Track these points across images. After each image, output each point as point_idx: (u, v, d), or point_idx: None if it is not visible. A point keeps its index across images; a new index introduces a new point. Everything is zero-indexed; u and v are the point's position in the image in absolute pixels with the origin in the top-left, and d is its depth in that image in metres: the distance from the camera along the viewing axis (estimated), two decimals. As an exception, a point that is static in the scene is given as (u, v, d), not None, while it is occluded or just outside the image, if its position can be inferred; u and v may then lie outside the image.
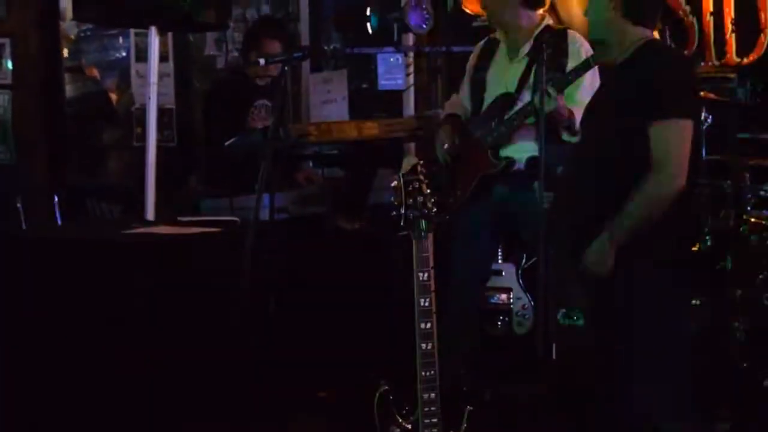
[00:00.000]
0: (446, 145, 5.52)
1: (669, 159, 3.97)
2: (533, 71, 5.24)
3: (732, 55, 6.31)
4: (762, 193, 5.65)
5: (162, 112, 7.26)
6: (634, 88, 4.02)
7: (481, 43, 5.70)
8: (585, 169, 4.22)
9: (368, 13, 6.91)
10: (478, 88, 5.53)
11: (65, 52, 8.20)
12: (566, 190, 4.33)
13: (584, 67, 4.99)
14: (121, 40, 8.26)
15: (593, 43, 4.52)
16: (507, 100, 5.38)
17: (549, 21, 5.50)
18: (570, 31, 5.44)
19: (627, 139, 4.03)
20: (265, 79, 6.34)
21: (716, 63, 6.32)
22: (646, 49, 4.16)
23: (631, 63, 4.14)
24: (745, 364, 5.22)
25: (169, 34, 7.54)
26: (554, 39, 5.24)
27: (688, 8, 6.37)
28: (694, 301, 5.32)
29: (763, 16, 6.20)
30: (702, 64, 6.32)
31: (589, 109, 4.44)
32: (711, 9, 6.33)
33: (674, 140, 3.99)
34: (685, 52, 6.28)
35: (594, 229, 4.05)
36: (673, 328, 4.15)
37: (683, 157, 3.99)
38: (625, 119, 4.03)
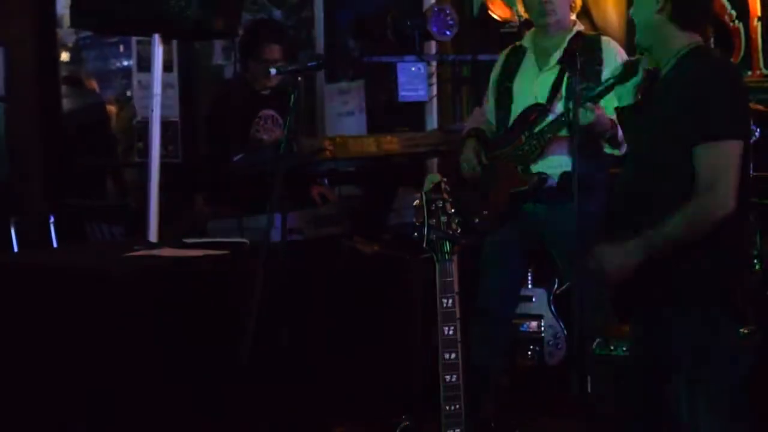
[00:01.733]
0: (472, 161, 5.50)
1: (717, 182, 3.93)
2: (565, 80, 5.24)
3: (782, 64, 6.32)
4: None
5: (166, 125, 7.30)
6: (679, 101, 3.98)
7: (506, 51, 5.68)
8: (626, 184, 4.19)
9: (388, 19, 6.92)
10: (505, 99, 5.51)
11: (63, 61, 8.24)
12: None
13: (625, 75, 4.97)
14: (122, 48, 8.29)
15: (636, 48, 4.45)
16: (538, 111, 5.36)
17: (580, 27, 5.49)
18: (604, 38, 5.44)
19: (671, 154, 4.01)
20: (267, 87, 6.34)
21: (764, 71, 6.31)
22: (692, 57, 4.10)
23: (676, 73, 4.09)
24: None
25: (174, 43, 7.57)
26: (588, 46, 5.24)
27: (733, 13, 6.37)
28: (743, 330, 5.28)
29: (816, 21, 6.21)
30: (749, 73, 6.29)
31: (631, 120, 4.40)
32: (759, 13, 6.33)
33: (723, 163, 3.95)
34: (731, 60, 6.27)
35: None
36: (731, 369, 4.14)
37: (732, 180, 3.94)
38: (669, 134, 4.00)
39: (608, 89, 4.86)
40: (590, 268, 4.06)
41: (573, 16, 5.51)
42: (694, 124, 3.93)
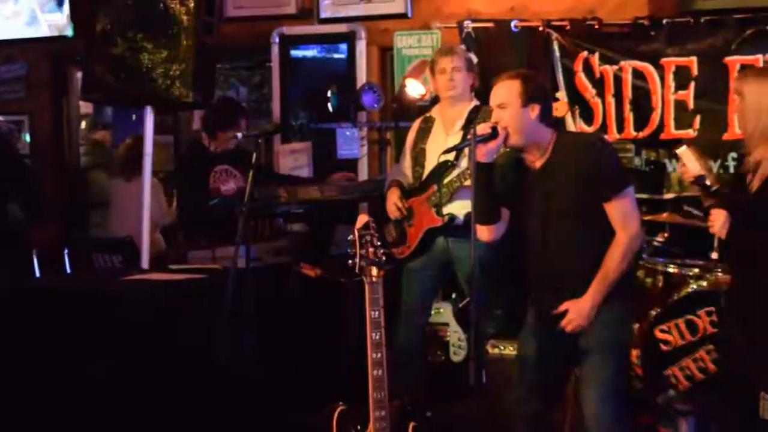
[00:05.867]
0: (396, 206, 5.55)
1: (631, 221, 4.04)
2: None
3: (630, 130, 6.37)
4: (655, 243, 5.70)
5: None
6: (580, 172, 4.04)
7: (418, 120, 5.70)
8: (549, 242, 4.19)
9: (329, 94, 6.97)
10: (420, 158, 5.55)
11: (84, 125, 8.12)
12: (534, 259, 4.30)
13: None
14: (134, 117, 8.13)
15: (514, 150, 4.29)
16: (446, 166, 5.40)
17: (476, 102, 5.53)
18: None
19: (586, 213, 4.07)
20: (223, 147, 6.30)
21: (617, 136, 6.38)
22: (570, 142, 4.20)
23: (561, 155, 4.13)
24: (640, 386, 5.24)
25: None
26: (483, 115, 5.30)
27: (594, 91, 6.43)
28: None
29: (654, 98, 6.26)
30: (606, 136, 6.38)
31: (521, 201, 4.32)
32: (612, 91, 6.39)
33: (631, 205, 4.08)
34: (591, 127, 6.38)
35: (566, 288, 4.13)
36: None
37: (639, 215, 4.11)
38: (577, 197, 4.06)
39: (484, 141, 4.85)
40: (563, 324, 4.10)
41: (471, 93, 5.56)
42: (603, 185, 4.03)
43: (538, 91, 4.18)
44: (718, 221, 4.08)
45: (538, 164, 4.19)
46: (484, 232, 4.29)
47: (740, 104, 4.09)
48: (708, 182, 4.10)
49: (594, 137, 5.25)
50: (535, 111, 4.12)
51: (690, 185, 4.17)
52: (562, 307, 4.11)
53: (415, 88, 6.71)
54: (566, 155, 4.13)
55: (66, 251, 6.86)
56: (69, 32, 7.77)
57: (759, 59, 6.03)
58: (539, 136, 4.16)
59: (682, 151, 4.22)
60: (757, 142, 4.05)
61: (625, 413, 4.19)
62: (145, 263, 5.62)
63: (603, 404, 4.09)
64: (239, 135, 5.51)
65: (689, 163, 4.12)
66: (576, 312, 4.08)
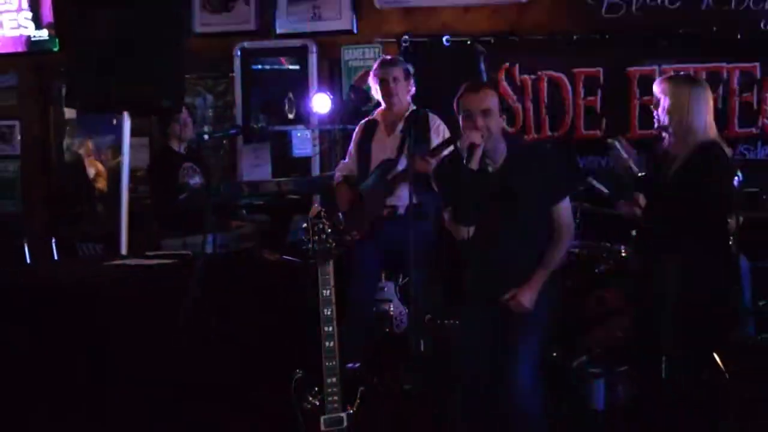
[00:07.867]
0: (346, 197, 5.55)
1: (571, 220, 4.11)
2: (407, 142, 5.32)
3: (546, 131, 6.46)
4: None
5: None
6: (541, 176, 4.04)
7: (363, 122, 5.70)
8: (499, 236, 4.16)
9: (286, 100, 6.94)
10: (365, 156, 5.54)
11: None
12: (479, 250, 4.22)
13: (448, 143, 5.04)
14: (114, 121, 8.00)
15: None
16: (389, 163, 5.41)
17: (414, 107, 5.55)
18: (430, 114, 5.48)
19: (538, 212, 4.07)
20: (183, 144, 6.25)
21: (535, 136, 6.45)
22: (525, 147, 4.42)
23: (520, 159, 4.11)
24: (558, 352, 5.23)
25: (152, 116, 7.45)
26: (420, 120, 5.34)
27: (515, 97, 6.50)
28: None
29: (566, 103, 6.37)
30: (526, 136, 6.45)
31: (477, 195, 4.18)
32: (531, 97, 6.49)
33: (570, 211, 4.11)
34: (512, 129, 6.43)
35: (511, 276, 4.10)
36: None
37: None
38: (537, 198, 4.05)
39: (440, 147, 4.90)
40: (514, 308, 4.06)
41: (409, 99, 5.56)
42: (558, 188, 4.06)
43: (503, 103, 4.25)
44: (638, 207, 4.15)
45: (495, 165, 4.16)
46: (464, 232, 4.10)
47: (664, 104, 4.16)
48: (635, 169, 4.12)
49: (545, 145, 5.21)
50: (504, 119, 4.20)
51: (621, 171, 4.18)
52: (510, 295, 4.09)
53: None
54: (524, 159, 4.15)
55: (53, 240, 6.80)
56: (54, 47, 7.66)
57: (655, 70, 6.17)
58: (501, 142, 4.17)
59: (615, 142, 4.24)
60: (675, 137, 4.13)
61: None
62: (124, 250, 5.55)
63: (531, 375, 4.05)
64: (206, 137, 5.47)
65: (623, 152, 4.14)
66: (523, 298, 4.05)
